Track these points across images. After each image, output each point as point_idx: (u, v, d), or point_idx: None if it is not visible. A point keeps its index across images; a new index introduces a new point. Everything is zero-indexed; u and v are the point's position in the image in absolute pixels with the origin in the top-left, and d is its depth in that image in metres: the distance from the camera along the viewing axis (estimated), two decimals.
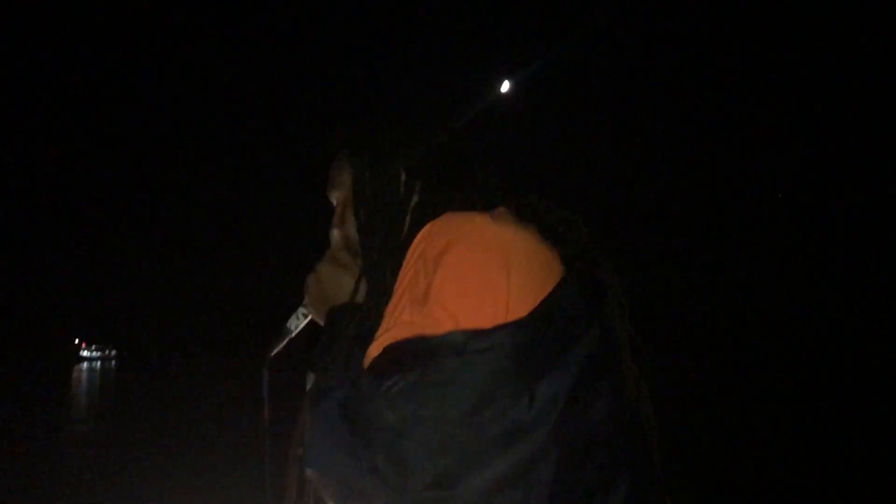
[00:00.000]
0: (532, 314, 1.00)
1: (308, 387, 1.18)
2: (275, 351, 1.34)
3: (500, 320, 0.98)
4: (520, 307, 1.00)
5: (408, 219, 1.20)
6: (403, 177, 1.24)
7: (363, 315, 1.15)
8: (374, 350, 1.01)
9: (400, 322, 1.00)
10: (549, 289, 1.03)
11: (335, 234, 1.30)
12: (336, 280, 1.29)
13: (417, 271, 1.03)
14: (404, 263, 1.07)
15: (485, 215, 1.07)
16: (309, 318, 1.34)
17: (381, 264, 1.18)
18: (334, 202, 1.32)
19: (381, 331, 1.03)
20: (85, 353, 52.16)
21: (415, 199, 1.22)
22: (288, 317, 1.36)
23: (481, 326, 0.97)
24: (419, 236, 1.07)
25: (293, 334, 1.34)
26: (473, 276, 1.00)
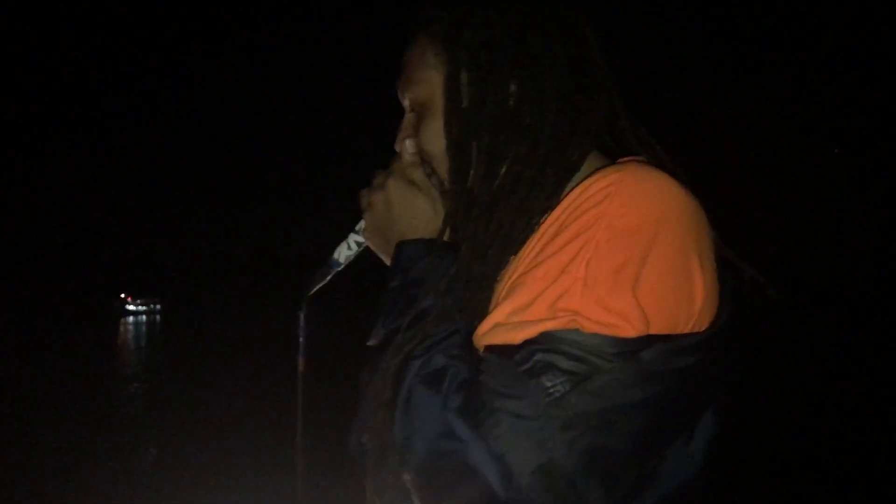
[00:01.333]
0: (715, 324, 0.84)
1: (373, 340, 0.95)
2: (316, 288, 1.10)
3: (689, 328, 0.82)
4: (708, 312, 0.84)
5: (521, 141, 0.94)
6: (513, 86, 0.95)
7: (458, 265, 0.92)
8: (514, 334, 0.83)
9: (567, 310, 0.81)
10: (719, 288, 0.87)
11: (407, 144, 1.04)
12: (410, 203, 1.02)
13: (598, 245, 0.82)
14: (553, 220, 0.87)
15: (675, 183, 0.86)
16: (363, 247, 1.10)
17: (497, 201, 0.93)
18: (406, 103, 1.05)
19: (512, 310, 0.84)
20: (130, 307, 53.38)
21: (527, 118, 0.95)
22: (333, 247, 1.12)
23: (671, 334, 0.81)
24: (591, 194, 0.84)
25: (341, 267, 1.11)
26: (675, 271, 0.82)
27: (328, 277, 1.10)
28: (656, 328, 0.80)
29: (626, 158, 0.97)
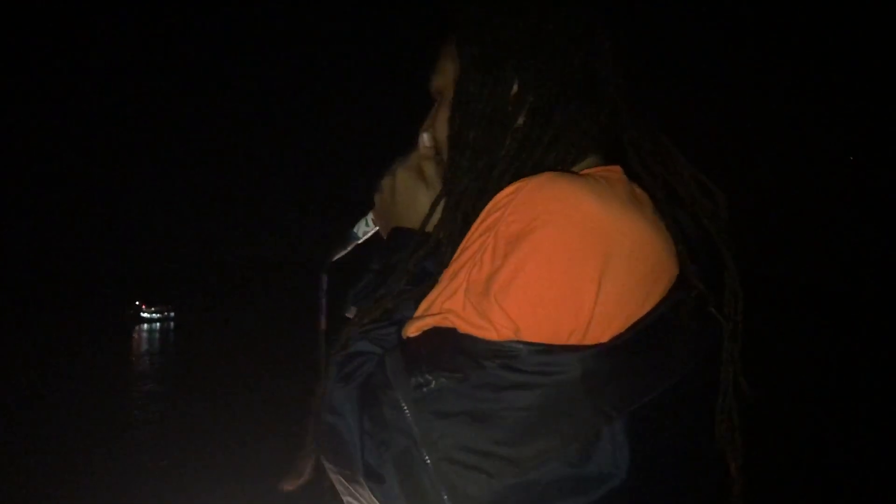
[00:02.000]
0: (615, 341, 0.80)
1: (349, 314, 1.02)
2: (337, 256, 1.18)
3: (576, 340, 0.80)
4: (603, 326, 0.80)
5: (508, 142, 0.96)
6: (515, 87, 0.97)
7: (426, 253, 0.96)
8: (411, 329, 0.86)
9: (449, 310, 0.83)
10: (651, 303, 0.83)
11: (424, 136, 1.07)
12: (412, 193, 1.06)
13: (484, 247, 0.84)
14: (474, 224, 0.88)
15: (587, 190, 0.83)
16: (376, 228, 1.16)
17: (465, 195, 0.96)
18: (433, 92, 1.09)
19: (425, 305, 0.87)
20: (145, 315, 53.75)
21: (520, 119, 0.96)
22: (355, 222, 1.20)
23: (548, 342, 0.79)
24: (498, 199, 0.86)
25: (359, 241, 1.18)
26: (554, 279, 0.80)
27: (348, 248, 1.18)
28: (530, 336, 0.79)
29: (598, 168, 0.97)
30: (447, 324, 0.83)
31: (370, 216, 1.17)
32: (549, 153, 0.95)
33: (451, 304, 0.84)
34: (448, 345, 0.82)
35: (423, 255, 0.96)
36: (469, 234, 0.89)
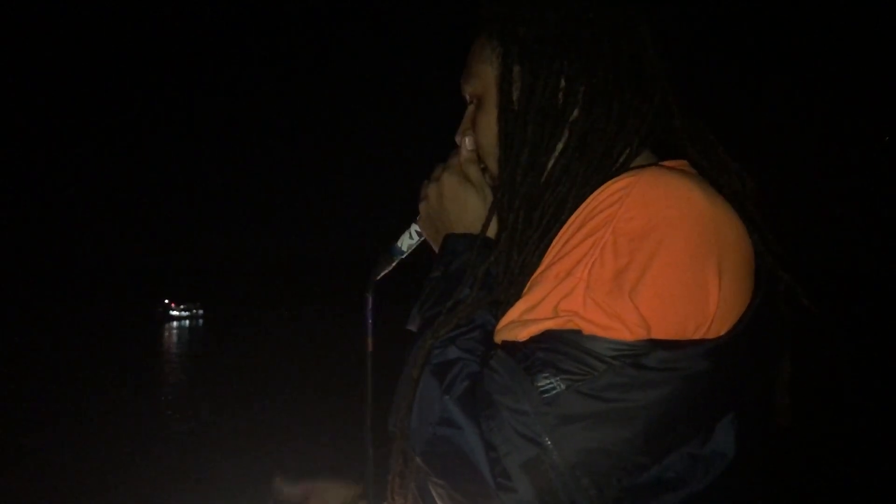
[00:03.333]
0: (733, 332, 0.82)
1: (412, 326, 1.00)
2: (381, 273, 1.16)
3: (700, 335, 0.80)
4: (724, 319, 0.82)
5: (565, 137, 0.95)
6: (563, 82, 0.96)
7: (496, 258, 0.95)
8: (523, 333, 0.84)
9: (569, 311, 0.81)
10: (750, 295, 0.85)
11: (465, 140, 1.07)
12: (461, 198, 1.05)
13: (604, 247, 0.82)
14: (574, 219, 0.87)
15: (695, 186, 0.84)
16: (423, 237, 1.14)
17: (526, 193, 0.95)
18: (467, 98, 1.08)
19: (524, 307, 0.86)
20: (174, 313, 54.40)
21: (574, 112, 0.96)
22: (398, 236, 1.16)
23: (675, 339, 0.79)
24: (606, 196, 0.85)
25: (404, 255, 1.15)
26: (683, 277, 0.80)
27: (393, 264, 1.16)
28: (659, 333, 0.79)
29: (670, 162, 0.96)
30: (570, 326, 0.80)
31: (414, 227, 1.14)
32: (615, 145, 0.94)
33: (569, 305, 0.81)
34: (570, 346, 0.80)
35: (493, 260, 0.95)
36: (566, 230, 0.87)
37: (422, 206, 1.10)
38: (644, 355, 0.78)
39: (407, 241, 1.15)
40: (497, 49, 1.00)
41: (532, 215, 0.94)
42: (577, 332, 0.80)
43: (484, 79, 1.02)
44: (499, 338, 0.87)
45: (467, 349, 0.89)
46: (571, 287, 0.82)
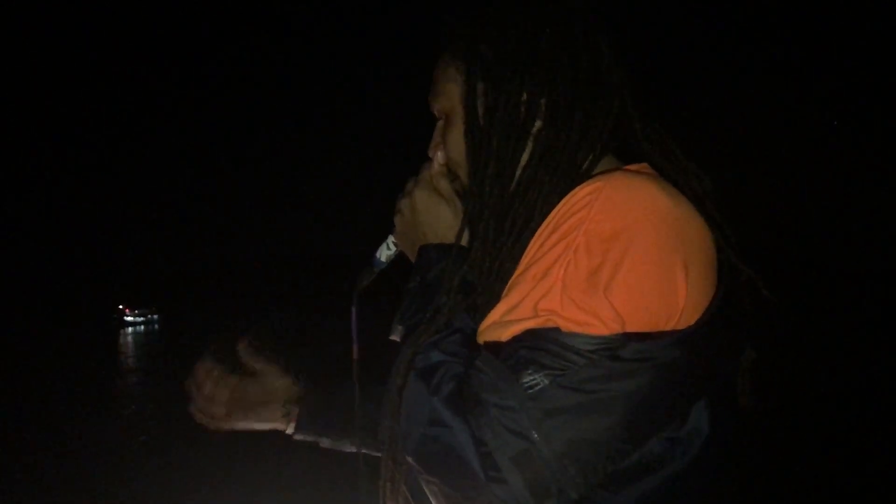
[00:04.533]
0: (702, 320, 0.86)
1: (395, 337, 1.03)
2: (363, 284, 1.19)
3: (672, 326, 0.85)
4: (692, 310, 0.86)
5: (531, 149, 1.00)
6: (525, 97, 1.00)
7: (470, 265, 0.99)
8: (503, 333, 0.88)
9: (547, 310, 0.85)
10: (714, 287, 0.89)
11: (438, 155, 1.10)
12: (433, 210, 1.09)
13: (577, 249, 0.86)
14: (547, 224, 0.92)
15: (658, 187, 0.89)
16: (399, 249, 1.17)
17: (495, 204, 0.99)
18: (436, 113, 1.11)
19: (504, 308, 0.89)
20: (129, 318, 53.42)
21: (537, 124, 1.00)
22: (376, 247, 1.19)
23: (649, 331, 0.84)
24: (576, 200, 0.89)
25: (384, 266, 1.18)
26: (653, 273, 0.85)
27: (373, 276, 1.19)
28: (633, 326, 0.83)
29: (633, 166, 1.00)
30: (549, 324, 0.84)
31: (391, 239, 1.17)
32: (578, 153, 0.99)
33: (547, 305, 0.85)
34: (551, 343, 0.83)
35: (468, 267, 0.99)
36: (540, 234, 0.92)
37: (396, 220, 1.14)
38: (620, 347, 0.82)
39: (385, 253, 1.18)
40: (461, 67, 1.04)
41: (503, 224, 0.98)
42: (557, 330, 0.83)
43: (450, 96, 1.06)
44: (482, 339, 0.91)
45: (450, 352, 0.92)
46: (549, 287, 0.86)
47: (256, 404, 1.38)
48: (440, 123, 1.11)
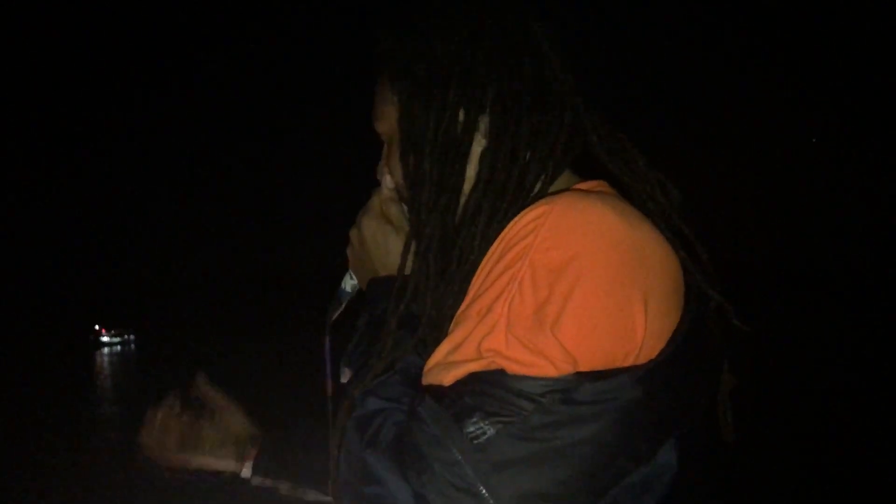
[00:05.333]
0: (664, 354, 0.79)
1: (344, 378, 0.98)
2: (334, 316, 1.13)
3: (630, 362, 0.78)
4: (653, 343, 0.79)
5: (472, 170, 0.92)
6: (462, 114, 0.92)
7: (410, 300, 0.92)
8: (448, 378, 0.80)
9: (491, 350, 0.78)
10: (679, 315, 0.82)
11: (386, 179, 1.03)
12: (382, 240, 1.02)
13: (521, 281, 0.79)
14: (493, 251, 0.84)
15: (612, 209, 0.82)
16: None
17: (434, 234, 0.91)
18: (382, 136, 1.04)
19: (447, 347, 0.82)
20: (105, 339, 52.71)
21: (482, 142, 0.92)
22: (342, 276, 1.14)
23: (604, 368, 0.77)
24: (521, 227, 0.82)
25: (351, 296, 1.13)
26: (606, 306, 0.77)
27: (342, 307, 1.14)
28: (586, 365, 0.76)
29: (587, 184, 0.95)
30: (493, 366, 0.78)
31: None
32: (528, 172, 0.92)
33: (491, 344, 0.78)
34: (497, 387, 0.77)
35: (406, 302, 0.92)
36: (486, 263, 0.85)
37: (348, 252, 1.08)
38: (573, 389, 0.75)
39: (350, 283, 1.13)
40: (395, 87, 0.98)
41: (449, 254, 0.91)
42: (502, 372, 0.77)
43: (389, 119, 1.00)
44: (426, 381, 0.84)
45: (389, 397, 0.86)
46: (492, 325, 0.79)
47: (210, 443, 1.31)
48: (386, 148, 1.04)
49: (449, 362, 0.81)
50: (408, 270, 0.95)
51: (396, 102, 0.97)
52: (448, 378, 0.80)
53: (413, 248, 0.94)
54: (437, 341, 0.87)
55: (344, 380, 0.98)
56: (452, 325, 0.86)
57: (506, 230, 0.85)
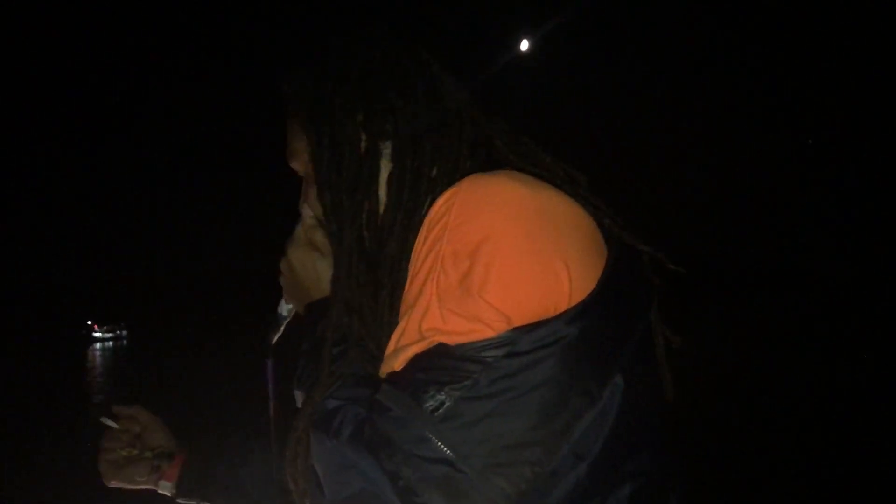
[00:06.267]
0: (596, 294, 0.83)
1: (297, 403, 1.01)
2: (275, 338, 1.19)
3: (563, 310, 0.81)
4: (582, 289, 0.83)
5: (383, 194, 0.97)
6: (364, 142, 0.97)
7: (346, 316, 0.97)
8: (398, 362, 0.85)
9: (431, 329, 0.82)
10: (602, 261, 0.87)
11: (305, 210, 1.08)
12: (310, 266, 1.07)
13: (443, 258, 0.84)
14: (417, 248, 0.89)
15: (511, 178, 0.87)
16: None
17: (353, 261, 0.97)
18: (298, 173, 1.09)
19: (395, 337, 0.87)
20: (97, 334, 52.57)
21: (389, 166, 0.97)
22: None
23: (539, 320, 0.81)
24: (434, 212, 0.87)
25: (288, 318, 1.18)
26: (526, 262, 0.82)
27: (281, 329, 1.19)
28: (520, 320, 0.80)
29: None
30: (435, 342, 0.82)
31: None
32: (437, 185, 0.96)
33: (428, 324, 0.83)
34: (443, 358, 0.81)
35: (342, 319, 0.97)
36: (415, 258, 0.89)
37: (281, 281, 1.13)
38: (513, 343, 0.79)
39: (286, 308, 1.18)
40: (302, 124, 1.02)
41: (375, 272, 0.96)
42: (444, 345, 0.81)
43: (302, 156, 1.04)
44: (382, 372, 0.88)
45: (345, 397, 0.89)
46: (426, 305, 0.83)
47: (129, 460, 1.35)
48: (305, 183, 1.08)
49: (396, 349, 0.86)
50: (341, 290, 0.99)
51: (306, 139, 1.01)
52: (398, 363, 0.84)
53: (342, 270, 0.98)
54: (380, 349, 0.92)
55: (298, 403, 1.00)
56: (401, 316, 0.89)
57: (424, 223, 0.89)
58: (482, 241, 0.82)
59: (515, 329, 0.80)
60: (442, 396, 0.79)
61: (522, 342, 0.79)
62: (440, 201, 0.87)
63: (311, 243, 1.08)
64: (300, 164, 1.06)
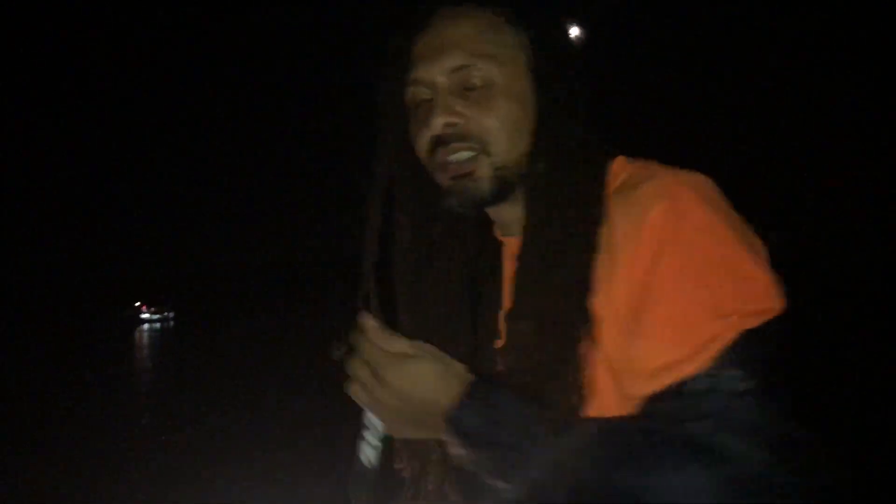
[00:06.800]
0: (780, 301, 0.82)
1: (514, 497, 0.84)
2: (369, 495, 0.97)
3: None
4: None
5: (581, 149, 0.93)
6: (577, 86, 0.92)
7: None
8: (655, 382, 0.79)
9: (673, 354, 0.77)
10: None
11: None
12: (420, 378, 0.85)
13: (674, 273, 0.80)
14: (636, 253, 0.82)
15: (705, 179, 0.86)
16: (385, 439, 0.96)
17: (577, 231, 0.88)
18: (452, 79, 0.90)
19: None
20: (145, 316, 54.00)
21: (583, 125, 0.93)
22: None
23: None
24: (653, 219, 0.81)
25: (377, 467, 0.98)
26: (744, 268, 0.81)
27: (373, 482, 0.97)
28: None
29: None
30: (690, 372, 0.78)
31: (368, 437, 0.98)
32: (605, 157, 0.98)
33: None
34: (693, 387, 0.78)
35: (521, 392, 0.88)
36: (630, 266, 0.85)
37: (378, 416, 0.91)
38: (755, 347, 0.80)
39: (371, 455, 0.97)
40: (529, 42, 0.94)
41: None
42: (699, 373, 0.78)
43: (514, 66, 0.94)
44: (639, 393, 0.81)
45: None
46: (661, 329, 0.81)
47: None
48: (446, 98, 0.90)
49: (654, 368, 0.80)
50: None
51: (528, 55, 0.91)
52: (656, 385, 0.80)
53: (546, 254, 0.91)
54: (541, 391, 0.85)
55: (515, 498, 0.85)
56: (630, 336, 0.82)
57: (622, 223, 0.85)
58: (706, 255, 0.81)
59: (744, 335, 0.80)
60: (703, 425, 0.76)
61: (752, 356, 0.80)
62: (657, 211, 0.83)
63: (399, 355, 0.86)
64: (494, 70, 0.89)
